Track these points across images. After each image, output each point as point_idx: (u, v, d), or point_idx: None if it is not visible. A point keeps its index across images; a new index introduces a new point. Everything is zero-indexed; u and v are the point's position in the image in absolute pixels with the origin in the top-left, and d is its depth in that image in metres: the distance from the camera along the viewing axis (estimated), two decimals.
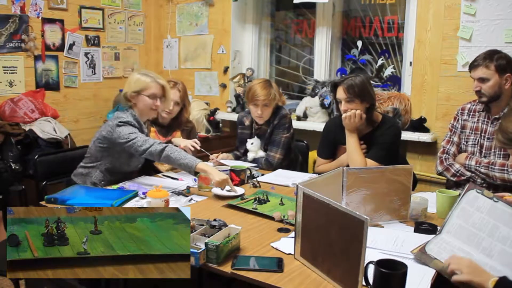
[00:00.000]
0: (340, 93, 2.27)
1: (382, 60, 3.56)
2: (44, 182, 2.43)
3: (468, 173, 2.28)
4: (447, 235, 1.43)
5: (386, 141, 2.29)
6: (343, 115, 2.27)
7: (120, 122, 2.23)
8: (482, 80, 2.22)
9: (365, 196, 1.69)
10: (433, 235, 1.48)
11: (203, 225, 1.52)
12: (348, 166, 2.26)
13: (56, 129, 3.28)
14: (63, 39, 3.80)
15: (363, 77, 2.27)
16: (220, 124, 3.97)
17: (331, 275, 1.27)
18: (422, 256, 1.39)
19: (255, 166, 2.58)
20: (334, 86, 2.32)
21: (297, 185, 1.39)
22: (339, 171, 1.65)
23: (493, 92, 2.21)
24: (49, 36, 3.70)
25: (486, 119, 2.31)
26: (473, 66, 2.27)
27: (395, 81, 3.48)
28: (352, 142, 2.29)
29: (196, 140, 2.54)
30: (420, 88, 3.15)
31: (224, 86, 4.11)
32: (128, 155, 2.30)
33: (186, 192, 2.09)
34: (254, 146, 2.69)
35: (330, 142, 2.49)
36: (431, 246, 1.40)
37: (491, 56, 2.21)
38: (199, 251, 1.33)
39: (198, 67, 4.26)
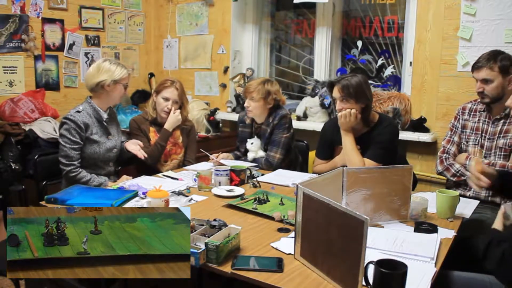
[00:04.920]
0: (335, 92, 2.28)
1: (382, 60, 3.56)
2: (44, 182, 2.43)
3: (468, 173, 2.27)
4: None
5: (384, 140, 2.28)
6: (338, 114, 2.27)
7: (64, 121, 2.32)
8: (485, 81, 2.20)
9: (365, 196, 1.69)
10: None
11: (203, 225, 1.52)
12: (343, 166, 2.26)
13: (56, 129, 3.27)
14: (63, 39, 3.80)
15: (360, 77, 2.26)
16: (220, 124, 3.96)
17: (331, 275, 1.27)
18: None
19: (255, 166, 2.58)
20: (331, 86, 2.33)
21: (297, 185, 1.39)
22: (339, 171, 1.65)
23: (496, 94, 2.19)
24: (49, 36, 3.70)
25: (487, 119, 2.30)
26: (476, 67, 2.24)
27: (395, 81, 3.48)
28: (348, 142, 2.29)
29: (138, 142, 2.56)
30: (420, 88, 3.15)
31: (224, 86, 4.11)
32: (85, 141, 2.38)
33: (186, 192, 2.09)
34: (254, 146, 2.69)
35: (327, 143, 2.49)
36: None
37: (495, 57, 2.18)
38: (199, 251, 1.32)
39: (198, 67, 4.26)
